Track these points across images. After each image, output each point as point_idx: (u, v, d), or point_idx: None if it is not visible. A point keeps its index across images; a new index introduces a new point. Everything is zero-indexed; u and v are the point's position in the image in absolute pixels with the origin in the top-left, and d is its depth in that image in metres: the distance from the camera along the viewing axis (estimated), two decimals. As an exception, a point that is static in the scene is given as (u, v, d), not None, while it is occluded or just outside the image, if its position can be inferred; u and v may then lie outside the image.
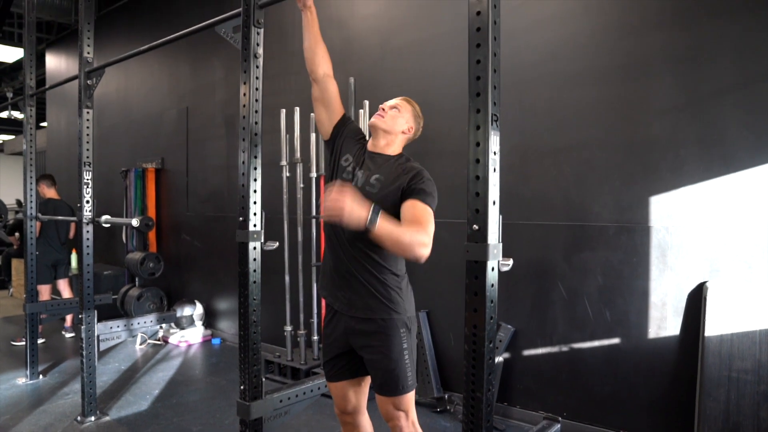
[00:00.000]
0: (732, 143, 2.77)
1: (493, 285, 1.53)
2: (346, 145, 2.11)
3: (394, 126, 2.08)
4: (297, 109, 4.11)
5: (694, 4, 2.87)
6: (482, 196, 1.49)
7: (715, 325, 2.72)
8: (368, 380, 2.13)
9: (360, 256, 1.97)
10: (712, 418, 2.66)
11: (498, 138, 1.51)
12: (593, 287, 3.16)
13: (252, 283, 2.27)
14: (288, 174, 4.18)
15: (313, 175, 4.03)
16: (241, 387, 2.30)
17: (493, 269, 1.52)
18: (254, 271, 2.27)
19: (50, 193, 5.67)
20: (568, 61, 3.25)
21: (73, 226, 5.80)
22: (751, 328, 2.66)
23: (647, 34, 2.99)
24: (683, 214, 2.89)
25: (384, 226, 1.70)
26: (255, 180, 2.25)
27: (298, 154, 4.12)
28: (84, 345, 3.50)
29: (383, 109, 2.11)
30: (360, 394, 2.17)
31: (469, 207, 1.51)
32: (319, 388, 2.53)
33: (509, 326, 3.45)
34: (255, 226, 2.25)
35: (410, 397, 2.01)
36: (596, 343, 3.17)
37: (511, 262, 1.60)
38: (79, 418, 3.52)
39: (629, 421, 3.04)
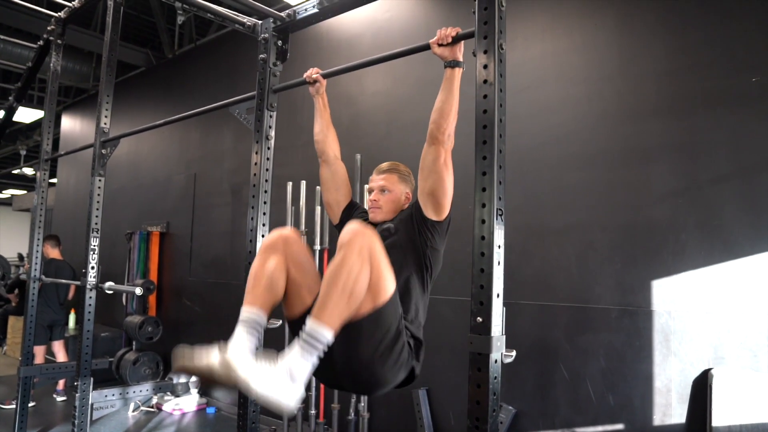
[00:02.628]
0: (732, 230, 2.81)
1: (496, 377, 1.52)
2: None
3: (395, 207, 2.11)
4: (303, 183, 4.19)
5: (690, 94, 2.98)
6: (486, 288, 1.51)
7: (722, 416, 2.67)
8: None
9: None
10: None
11: (503, 232, 1.55)
12: (596, 370, 3.12)
13: (253, 361, 2.25)
14: (292, 244, 4.21)
15: (317, 247, 4.06)
16: (236, 469, 2.24)
17: (496, 361, 1.53)
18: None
19: (54, 253, 5.69)
20: (571, 144, 3.34)
21: (72, 287, 5.78)
22: (760, 420, 2.60)
23: (646, 121, 3.09)
24: (686, 299, 2.90)
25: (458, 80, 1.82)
26: (261, 258, 2.28)
27: (303, 226, 4.17)
28: (77, 414, 3.42)
29: (375, 200, 2.09)
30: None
31: (473, 299, 1.53)
32: (315, 471, 2.47)
33: (510, 407, 3.38)
34: (259, 303, 2.26)
35: None
36: (599, 428, 3.10)
37: (514, 353, 1.60)
38: (65, 492, 3.40)
39: None
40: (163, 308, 6.24)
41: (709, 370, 2.79)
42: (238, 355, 1.55)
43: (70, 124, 8.97)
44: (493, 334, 1.50)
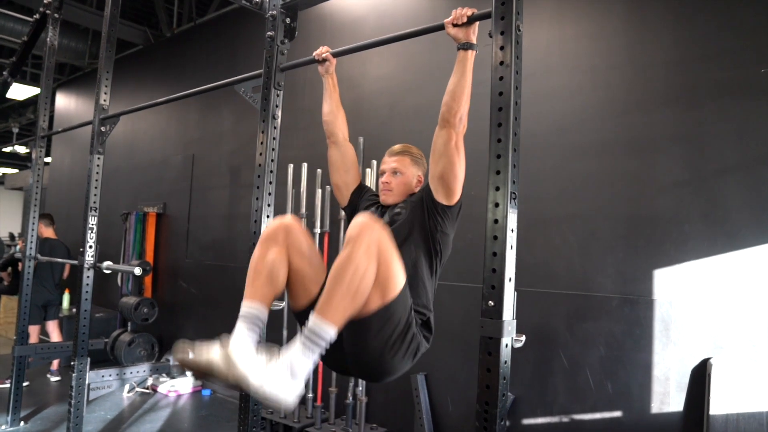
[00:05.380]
0: (736, 221, 2.81)
1: (506, 362, 1.52)
2: (366, 206, 2.13)
3: (406, 190, 2.08)
4: (305, 165, 4.15)
5: (697, 84, 2.97)
6: (498, 272, 1.50)
7: (719, 404, 2.69)
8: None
9: None
10: (718, 502, 2.60)
11: (516, 216, 1.54)
12: (595, 358, 3.13)
13: (256, 343, 2.24)
14: (292, 227, 4.18)
15: (318, 230, 4.04)
16: (238, 450, 2.24)
17: (506, 346, 1.52)
18: (259, 330, 2.24)
19: (48, 232, 5.63)
20: (575, 132, 3.32)
21: (67, 267, 5.74)
22: (756, 409, 2.62)
23: (652, 110, 3.08)
24: (687, 289, 2.90)
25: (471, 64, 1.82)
26: (266, 239, 2.26)
27: (303, 209, 4.14)
28: (73, 393, 3.41)
29: (387, 182, 2.06)
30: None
31: (485, 283, 1.52)
32: (316, 454, 2.46)
33: (509, 393, 3.38)
34: (263, 285, 2.24)
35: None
36: (597, 416, 3.12)
37: (523, 338, 1.60)
38: (61, 470, 3.39)
39: (631, 501, 2.96)
40: (158, 290, 6.21)
41: (708, 359, 2.81)
42: (239, 350, 1.50)
43: (64, 102, 8.85)
44: (504, 319, 1.49)
